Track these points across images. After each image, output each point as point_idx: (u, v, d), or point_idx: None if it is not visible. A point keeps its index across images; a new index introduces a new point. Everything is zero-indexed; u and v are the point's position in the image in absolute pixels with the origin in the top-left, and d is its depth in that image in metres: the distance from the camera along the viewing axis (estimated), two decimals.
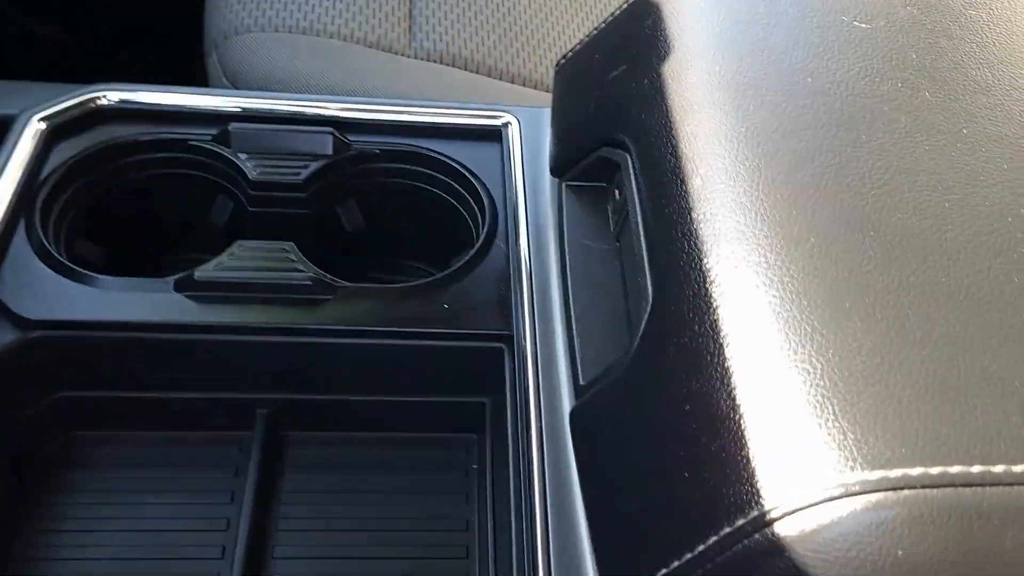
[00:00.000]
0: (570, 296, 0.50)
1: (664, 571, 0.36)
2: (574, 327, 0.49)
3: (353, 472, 0.55)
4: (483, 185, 0.59)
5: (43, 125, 0.58)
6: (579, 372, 0.47)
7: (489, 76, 0.82)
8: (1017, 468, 0.32)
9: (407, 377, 0.54)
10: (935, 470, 0.32)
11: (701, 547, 0.35)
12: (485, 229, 0.57)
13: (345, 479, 0.55)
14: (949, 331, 0.35)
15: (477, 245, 0.56)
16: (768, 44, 0.46)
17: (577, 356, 0.48)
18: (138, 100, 0.61)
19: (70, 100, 0.59)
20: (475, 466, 0.56)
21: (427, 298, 0.53)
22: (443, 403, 0.56)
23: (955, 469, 0.32)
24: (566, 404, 0.48)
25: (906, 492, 0.32)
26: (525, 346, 0.51)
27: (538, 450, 0.47)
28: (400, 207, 0.62)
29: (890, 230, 0.38)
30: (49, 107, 0.58)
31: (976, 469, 0.32)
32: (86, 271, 0.52)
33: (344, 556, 0.52)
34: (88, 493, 0.53)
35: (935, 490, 0.32)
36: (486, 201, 0.58)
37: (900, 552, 0.32)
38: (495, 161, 0.61)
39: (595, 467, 0.43)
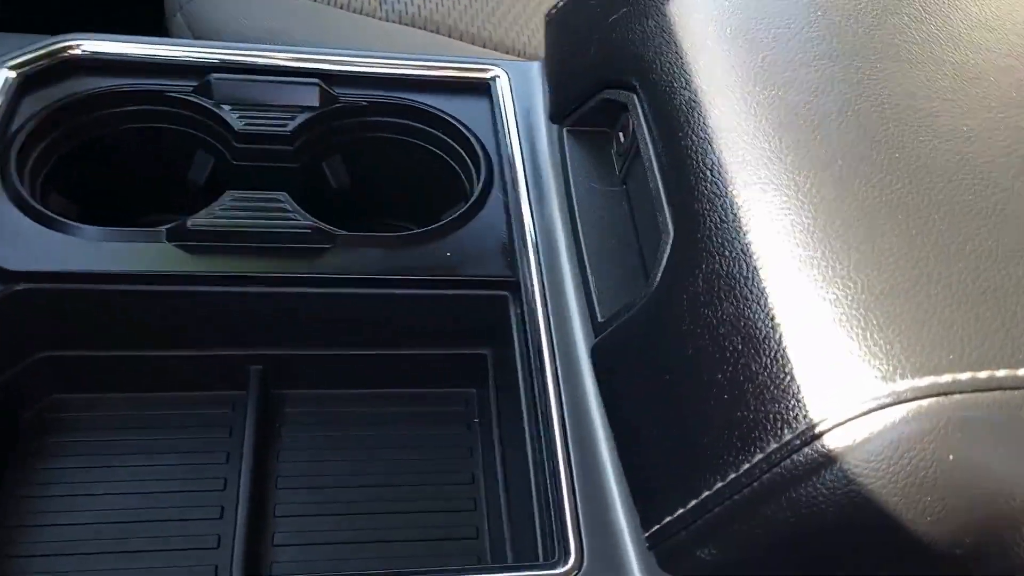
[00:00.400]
0: (581, 237, 0.50)
1: (707, 493, 0.36)
2: (587, 267, 0.48)
3: (351, 429, 0.54)
4: (476, 137, 0.58)
5: (13, 74, 0.55)
6: (596, 310, 0.47)
7: (462, 40, 0.81)
8: None
9: (407, 328, 0.53)
10: (983, 374, 0.32)
11: (747, 465, 0.35)
12: (482, 179, 0.56)
13: (344, 436, 0.54)
14: (983, 244, 0.36)
15: (475, 195, 0.55)
16: None
17: (593, 295, 0.47)
18: (112, 51, 0.58)
19: (41, 49, 0.56)
20: (477, 420, 0.55)
21: (429, 246, 0.52)
22: (443, 355, 0.55)
23: (1002, 372, 0.33)
24: (581, 347, 0.48)
25: (956, 397, 0.32)
26: (533, 291, 0.50)
27: (555, 395, 0.46)
28: (389, 162, 0.61)
29: (915, 152, 0.39)
30: (19, 56, 0.55)
31: (1023, 372, 0.33)
32: (68, 220, 0.50)
33: (349, 512, 0.51)
34: (74, 457, 0.51)
35: (984, 394, 0.32)
36: (480, 153, 0.57)
37: (952, 456, 0.32)
38: (486, 113, 0.60)
39: (624, 400, 0.42)
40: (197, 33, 0.75)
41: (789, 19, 0.45)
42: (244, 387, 0.53)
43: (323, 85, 0.58)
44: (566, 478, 0.43)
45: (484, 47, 0.80)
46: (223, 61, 0.59)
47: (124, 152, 0.58)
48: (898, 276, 0.35)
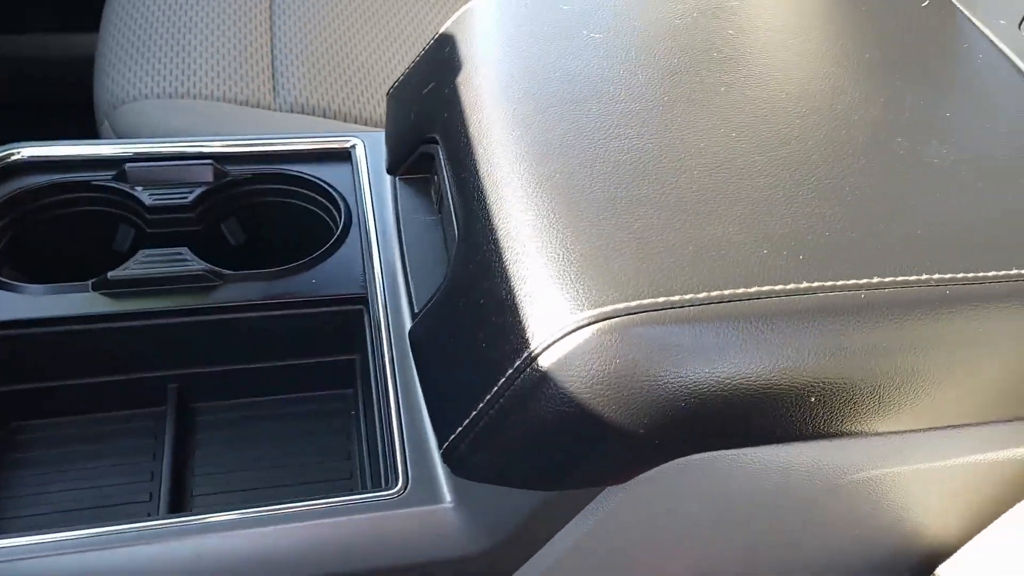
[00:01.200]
0: (406, 257, 0.65)
1: (474, 412, 0.51)
2: (410, 278, 0.64)
3: (253, 426, 0.68)
4: (338, 192, 0.74)
5: None
6: (414, 306, 0.62)
7: (345, 121, 0.98)
8: (687, 296, 0.48)
9: (289, 343, 0.68)
10: (634, 303, 0.48)
11: (495, 388, 0.50)
12: (342, 222, 0.71)
13: (247, 432, 0.68)
14: (648, 223, 0.51)
15: (336, 235, 0.71)
16: (529, 52, 0.63)
17: (413, 296, 0.63)
18: (46, 154, 0.74)
19: None
20: (353, 412, 0.70)
21: (297, 277, 0.68)
22: (320, 363, 0.69)
23: (647, 301, 0.48)
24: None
25: (615, 320, 0.47)
26: (378, 303, 0.66)
27: (391, 372, 0.61)
28: (274, 220, 0.77)
29: (611, 164, 0.55)
30: None
31: (661, 299, 0.48)
32: (16, 282, 0.65)
33: (251, 488, 0.65)
34: (30, 468, 0.65)
35: (635, 315, 0.47)
36: (341, 205, 0.73)
37: (618, 361, 0.47)
38: (347, 173, 0.76)
39: (428, 360, 0.57)
40: (120, 136, 0.91)
41: (538, 78, 0.61)
42: (163, 403, 0.68)
43: (216, 164, 0.74)
44: (397, 427, 0.58)
45: (355, 122, 0.97)
46: (136, 153, 0.75)
47: (61, 231, 0.73)
48: (589, 246, 0.50)
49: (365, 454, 0.65)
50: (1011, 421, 0.55)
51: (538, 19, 0.66)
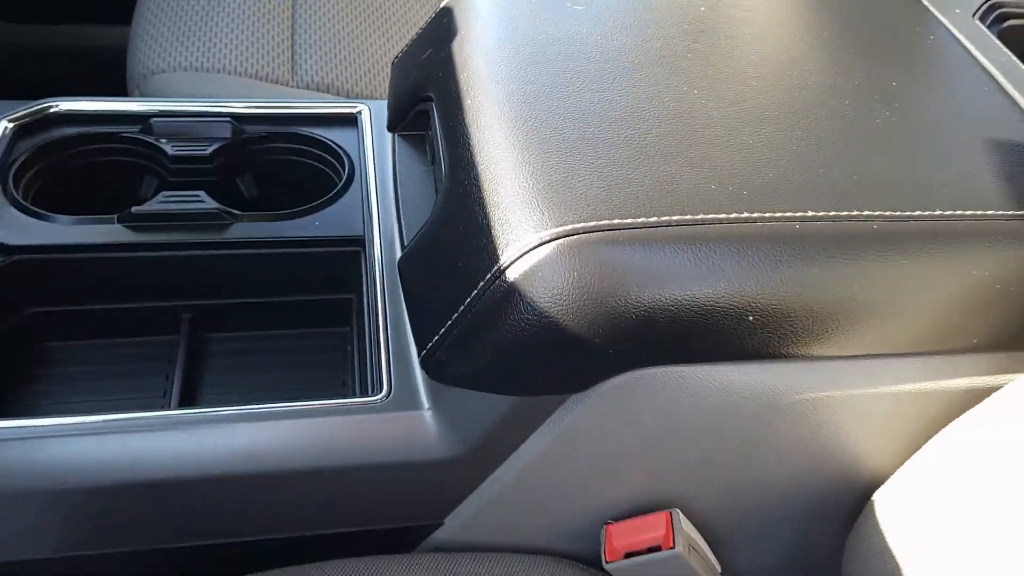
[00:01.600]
0: (399, 204, 0.72)
1: (449, 322, 0.57)
2: (402, 220, 0.71)
3: (258, 354, 0.75)
4: (343, 151, 0.81)
5: (10, 124, 0.78)
6: (404, 242, 0.68)
7: (348, 97, 1.05)
8: (639, 219, 0.54)
9: (292, 279, 0.75)
10: (591, 223, 0.54)
11: (468, 298, 0.56)
12: (345, 175, 0.78)
13: (252, 359, 0.75)
14: (610, 160, 0.58)
15: (339, 185, 0.78)
16: (517, 21, 0.70)
17: (404, 234, 0.69)
18: (81, 108, 0.81)
19: (31, 108, 0.79)
20: (350, 347, 0.76)
21: (302, 220, 0.74)
22: (320, 300, 0.76)
23: (603, 222, 0.54)
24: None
25: (573, 238, 0.54)
26: (375, 244, 0.72)
27: (381, 299, 0.68)
28: (284, 175, 0.84)
29: (581, 111, 0.61)
30: (14, 113, 0.78)
31: (615, 221, 0.54)
32: (51, 213, 0.72)
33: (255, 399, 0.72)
34: (56, 384, 0.72)
35: (591, 234, 0.54)
36: (346, 161, 0.80)
37: (575, 274, 0.53)
38: (354, 136, 0.83)
39: (413, 281, 0.63)
40: None
41: (519, 42, 0.68)
42: (177, 332, 0.75)
43: (234, 122, 0.81)
44: (384, 342, 0.65)
45: (359, 96, 1.05)
46: (161, 111, 0.82)
47: (92, 178, 0.81)
48: (555, 177, 0.57)
49: (355, 370, 0.72)
50: (935, 354, 0.61)
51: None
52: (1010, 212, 0.60)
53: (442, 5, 0.77)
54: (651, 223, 0.55)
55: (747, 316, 0.56)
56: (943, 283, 0.58)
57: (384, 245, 0.72)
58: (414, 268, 0.64)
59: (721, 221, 0.55)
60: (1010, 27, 0.80)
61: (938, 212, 0.58)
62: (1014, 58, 0.74)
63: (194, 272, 0.73)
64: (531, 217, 0.55)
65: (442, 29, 0.74)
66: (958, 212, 0.59)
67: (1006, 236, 0.59)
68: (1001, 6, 0.81)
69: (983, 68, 0.72)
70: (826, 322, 0.57)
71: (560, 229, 0.54)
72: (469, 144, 0.62)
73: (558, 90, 0.63)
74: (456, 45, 0.71)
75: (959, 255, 0.58)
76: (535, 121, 0.61)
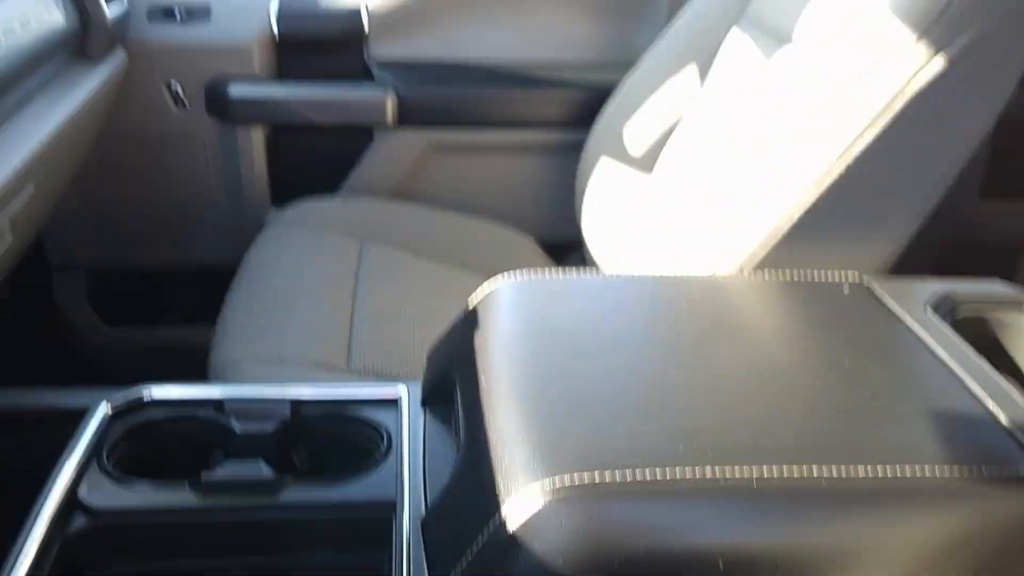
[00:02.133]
0: (426, 470, 0.84)
1: (461, 566, 0.66)
2: (427, 486, 0.82)
3: None
4: (385, 428, 0.94)
5: (108, 408, 0.93)
6: (428, 503, 0.79)
7: (400, 378, 1.20)
8: (609, 479, 0.65)
9: (331, 537, 0.85)
10: (575, 483, 0.64)
11: (476, 547, 0.66)
12: (384, 446, 0.91)
13: None
14: (591, 421, 0.69)
15: (378, 455, 0.90)
16: (525, 316, 0.85)
17: (428, 497, 0.80)
18: (166, 395, 0.97)
19: (127, 394, 0.95)
20: None
21: (346, 486, 0.86)
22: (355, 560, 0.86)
23: (586, 481, 0.64)
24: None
25: (561, 493, 0.64)
26: (405, 507, 0.83)
27: (406, 559, 0.77)
28: (333, 446, 0.96)
29: (572, 384, 0.74)
30: (113, 399, 0.94)
31: (596, 478, 0.65)
32: (133, 478, 0.85)
33: None
34: None
35: (573, 490, 0.64)
36: (385, 435, 0.93)
37: (561, 523, 0.63)
38: (394, 413, 0.96)
39: (431, 545, 0.73)
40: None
41: (530, 345, 0.82)
42: None
43: (292, 404, 0.96)
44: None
45: (402, 376, 1.20)
46: (232, 397, 0.97)
47: (172, 452, 0.94)
48: (549, 434, 0.68)
49: None
50: None
51: (548, 300, 0.88)
52: (957, 472, 0.69)
53: (469, 303, 0.94)
54: (627, 481, 0.65)
55: (717, 560, 0.64)
56: (892, 538, 0.66)
57: (412, 508, 0.83)
58: (433, 527, 0.74)
59: (687, 476, 0.65)
60: (964, 319, 0.92)
61: (880, 469, 0.67)
62: (962, 341, 0.85)
63: (248, 531, 0.84)
64: (528, 465, 0.66)
65: (466, 324, 0.90)
66: (901, 471, 0.68)
67: (949, 495, 0.68)
68: (953, 298, 0.93)
69: (931, 350, 0.83)
70: (791, 569, 0.65)
71: (549, 487, 0.65)
72: (480, 414, 0.74)
73: (556, 370, 0.76)
74: (477, 336, 0.85)
75: (905, 511, 0.66)
76: (531, 391, 0.73)
